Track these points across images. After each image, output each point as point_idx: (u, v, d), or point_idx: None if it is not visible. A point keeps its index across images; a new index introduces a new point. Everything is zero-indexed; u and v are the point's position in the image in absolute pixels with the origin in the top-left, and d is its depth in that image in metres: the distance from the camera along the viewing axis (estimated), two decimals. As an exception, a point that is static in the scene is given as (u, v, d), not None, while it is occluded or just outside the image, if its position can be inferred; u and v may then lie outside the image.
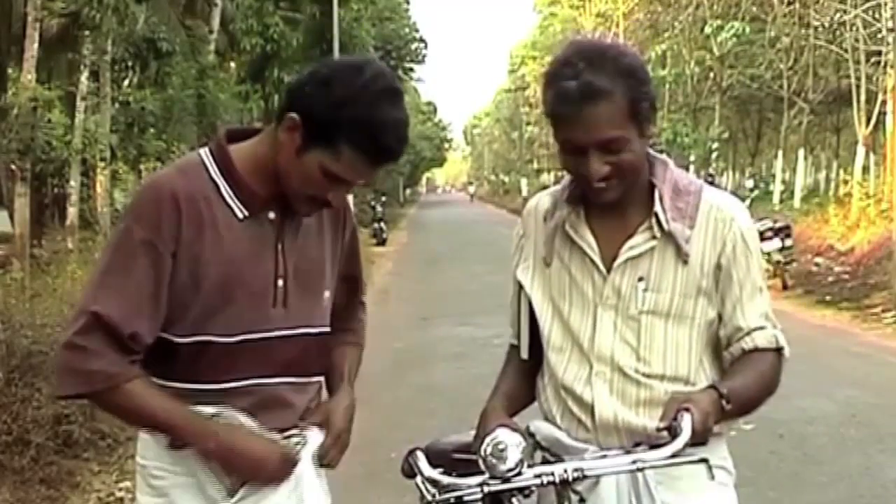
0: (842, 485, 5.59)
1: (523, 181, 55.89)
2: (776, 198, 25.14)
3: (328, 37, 23.57)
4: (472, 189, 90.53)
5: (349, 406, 2.17)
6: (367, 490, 5.66)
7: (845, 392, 7.38)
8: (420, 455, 1.96)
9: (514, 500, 1.94)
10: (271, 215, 2.02)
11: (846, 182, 20.98)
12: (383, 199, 30.71)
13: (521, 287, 2.20)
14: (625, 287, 2.07)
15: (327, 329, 2.15)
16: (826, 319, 12.24)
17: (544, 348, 2.16)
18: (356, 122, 1.89)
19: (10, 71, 15.34)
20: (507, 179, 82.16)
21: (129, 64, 17.31)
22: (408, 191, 79.13)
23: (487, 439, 1.89)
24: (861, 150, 21.19)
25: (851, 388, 7.58)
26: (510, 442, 1.88)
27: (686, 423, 1.85)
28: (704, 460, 1.92)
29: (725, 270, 2.07)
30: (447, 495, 1.96)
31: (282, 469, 2.02)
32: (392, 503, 5.50)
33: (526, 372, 2.23)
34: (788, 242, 14.38)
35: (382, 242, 27.27)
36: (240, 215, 1.99)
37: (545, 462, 2.03)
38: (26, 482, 5.41)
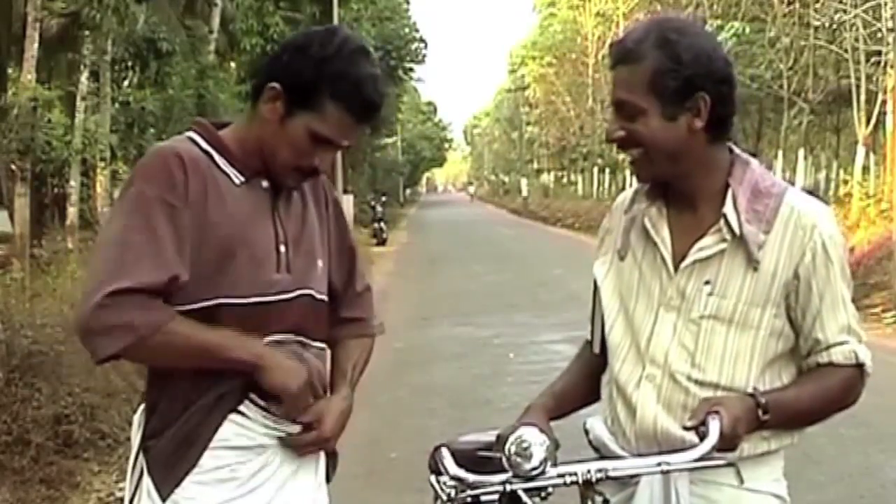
0: (842, 485, 5.59)
1: (523, 181, 55.85)
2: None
3: (328, 37, 23.56)
4: (472, 189, 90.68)
5: (344, 411, 2.14)
6: (367, 490, 5.66)
7: (845, 392, 7.34)
8: (445, 452, 1.95)
9: (531, 500, 1.92)
10: (264, 184, 2.05)
11: (846, 182, 20.97)
12: (383, 199, 30.73)
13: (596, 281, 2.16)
14: (689, 289, 2.01)
15: (325, 298, 2.15)
16: (826, 319, 12.21)
17: (608, 350, 2.12)
18: (337, 76, 1.94)
19: (10, 71, 15.34)
20: (507, 179, 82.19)
21: (129, 64, 17.30)
22: (408, 191, 79.13)
23: (512, 437, 1.88)
24: (861, 150, 21.17)
25: (851, 388, 7.53)
26: (534, 441, 1.87)
27: (714, 427, 1.82)
28: (732, 464, 1.90)
29: (804, 281, 1.98)
30: (465, 494, 1.96)
31: (306, 388, 2.02)
32: (392, 503, 5.51)
33: (592, 370, 2.19)
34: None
35: (382, 242, 27.26)
36: (236, 181, 2.03)
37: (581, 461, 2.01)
38: (26, 482, 5.41)
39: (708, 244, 2.01)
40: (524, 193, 52.61)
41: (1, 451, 5.46)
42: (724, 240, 2.00)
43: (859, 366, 2.03)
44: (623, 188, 38.19)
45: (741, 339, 1.99)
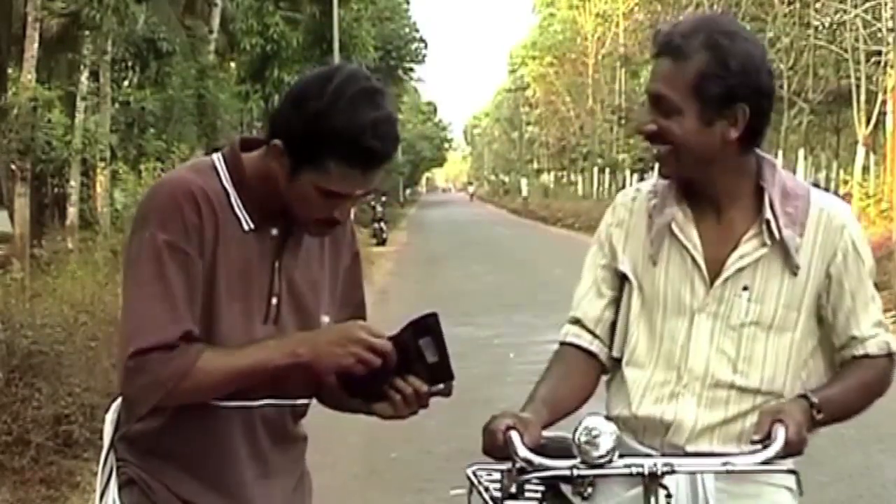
0: (842, 485, 5.58)
1: (523, 181, 55.91)
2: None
3: (328, 37, 23.58)
4: (472, 189, 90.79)
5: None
6: (367, 490, 5.65)
7: (845, 392, 7.34)
8: (515, 435, 1.93)
9: (577, 496, 1.95)
10: (274, 231, 1.97)
11: (846, 182, 21.00)
12: (383, 199, 30.69)
13: (621, 280, 2.10)
14: (727, 295, 1.99)
15: None
16: (826, 319, 12.22)
17: (624, 358, 2.08)
18: (332, 133, 1.83)
19: (10, 71, 15.33)
20: (507, 179, 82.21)
21: (129, 64, 17.34)
22: (408, 191, 79.13)
23: (581, 426, 1.87)
24: (861, 150, 21.20)
25: (851, 388, 7.54)
26: (604, 429, 1.87)
27: (780, 434, 1.83)
28: (794, 472, 1.91)
29: (836, 280, 2.00)
30: (523, 477, 1.96)
31: (365, 336, 1.89)
32: (392, 503, 5.50)
33: (583, 373, 2.13)
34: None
35: (382, 242, 27.27)
36: (245, 227, 1.95)
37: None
38: (26, 482, 5.41)
39: (748, 251, 1.99)
40: (524, 193, 52.62)
41: (1, 451, 5.46)
42: (764, 244, 1.99)
43: (890, 354, 2.06)
44: (623, 188, 38.08)
45: (780, 343, 2.00)
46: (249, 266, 1.95)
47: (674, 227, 2.03)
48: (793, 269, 1.98)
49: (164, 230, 1.88)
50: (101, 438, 2.13)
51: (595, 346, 2.13)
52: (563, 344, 2.17)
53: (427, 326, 1.90)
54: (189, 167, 2.04)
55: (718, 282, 2.00)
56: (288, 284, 1.99)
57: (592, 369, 2.14)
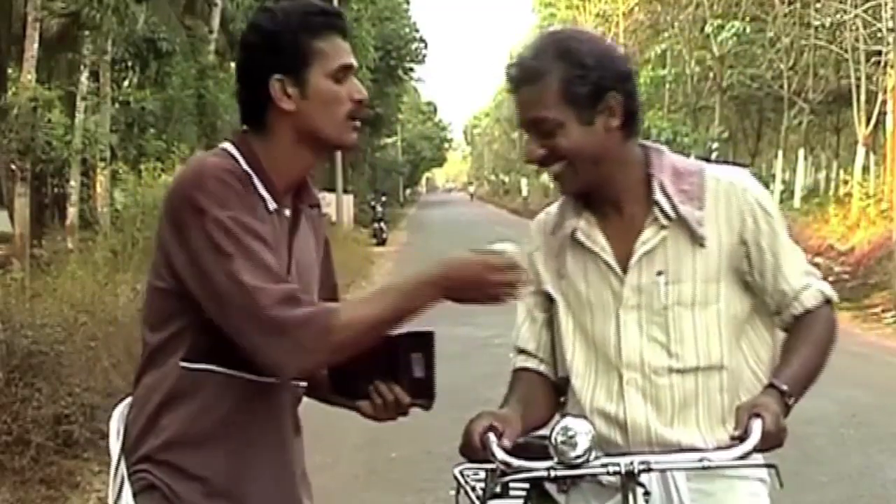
0: (842, 485, 5.59)
1: (523, 181, 55.89)
2: (776, 198, 25.12)
3: (328, 37, 23.56)
4: (472, 189, 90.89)
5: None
6: (367, 490, 5.66)
7: (845, 392, 7.30)
8: (492, 437, 1.95)
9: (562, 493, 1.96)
10: (287, 212, 2.03)
11: (846, 182, 21.03)
12: (383, 199, 30.74)
13: (551, 302, 2.15)
14: (644, 284, 2.03)
15: None
16: (826, 319, 12.21)
17: (568, 370, 2.11)
18: (302, 23, 1.97)
19: (10, 71, 15.33)
20: (507, 179, 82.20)
21: (129, 64, 17.31)
22: (408, 191, 79.16)
23: (558, 427, 1.89)
24: (861, 150, 21.20)
25: (851, 388, 7.49)
26: (580, 430, 1.88)
27: (756, 428, 1.84)
28: (773, 466, 1.92)
29: (753, 243, 2.03)
30: (500, 480, 1.97)
31: (506, 271, 1.90)
32: (392, 503, 5.51)
33: (543, 393, 2.16)
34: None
35: (382, 242, 27.30)
36: (270, 207, 1.99)
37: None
38: (26, 482, 5.42)
39: (649, 236, 2.04)
40: (524, 193, 52.64)
41: (1, 451, 5.47)
42: (663, 226, 2.03)
43: (828, 300, 2.08)
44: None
45: (707, 317, 2.02)
46: (278, 245, 1.99)
47: (579, 235, 2.09)
48: (700, 243, 2.02)
49: (223, 208, 1.89)
50: (101, 439, 2.12)
51: (544, 368, 2.18)
52: (515, 371, 2.22)
53: (421, 343, 1.96)
54: (209, 154, 2.06)
55: (631, 273, 2.04)
56: (297, 264, 2.05)
57: (550, 388, 2.18)
